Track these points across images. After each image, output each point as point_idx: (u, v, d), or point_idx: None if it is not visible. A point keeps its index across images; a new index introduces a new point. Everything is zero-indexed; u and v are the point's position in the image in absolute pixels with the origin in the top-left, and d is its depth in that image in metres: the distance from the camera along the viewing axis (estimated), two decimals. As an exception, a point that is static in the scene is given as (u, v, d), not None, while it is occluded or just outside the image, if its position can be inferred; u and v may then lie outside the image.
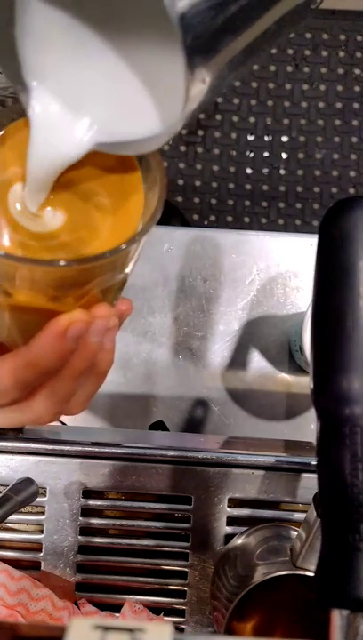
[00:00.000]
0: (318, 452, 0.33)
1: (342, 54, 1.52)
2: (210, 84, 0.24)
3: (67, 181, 0.30)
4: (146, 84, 0.27)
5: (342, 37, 1.52)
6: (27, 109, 0.28)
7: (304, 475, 0.57)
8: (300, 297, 0.70)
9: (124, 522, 0.57)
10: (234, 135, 1.49)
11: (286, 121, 1.49)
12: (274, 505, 0.57)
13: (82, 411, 0.34)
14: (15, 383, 0.30)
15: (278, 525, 0.54)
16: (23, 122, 0.31)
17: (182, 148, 1.48)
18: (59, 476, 0.57)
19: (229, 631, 0.48)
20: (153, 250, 0.71)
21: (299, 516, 0.57)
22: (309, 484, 0.57)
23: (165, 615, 0.56)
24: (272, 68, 1.51)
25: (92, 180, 0.31)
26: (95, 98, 0.28)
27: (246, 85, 1.50)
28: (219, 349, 0.70)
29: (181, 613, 0.57)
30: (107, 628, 0.19)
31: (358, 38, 1.52)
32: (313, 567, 0.36)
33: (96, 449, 0.57)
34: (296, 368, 0.70)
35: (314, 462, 0.33)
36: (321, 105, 1.50)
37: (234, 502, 0.57)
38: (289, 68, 1.51)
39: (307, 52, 1.52)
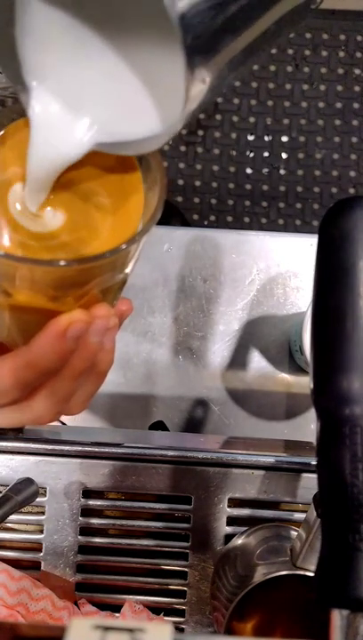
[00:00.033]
0: (318, 452, 0.33)
1: (342, 54, 1.52)
2: (210, 83, 0.24)
3: (67, 181, 0.30)
4: (146, 83, 0.27)
5: (342, 37, 1.52)
6: (27, 109, 0.28)
7: (304, 475, 0.57)
8: (300, 297, 0.70)
9: (124, 522, 0.57)
10: (234, 135, 1.49)
11: (286, 121, 1.49)
12: (274, 505, 0.57)
13: (82, 411, 0.34)
14: (15, 383, 0.30)
15: (278, 525, 0.54)
16: (23, 122, 0.31)
17: (182, 148, 1.48)
18: (59, 476, 0.57)
19: (229, 631, 0.48)
20: (153, 250, 0.71)
21: (299, 515, 0.57)
22: (309, 483, 0.57)
23: (165, 615, 0.56)
24: (272, 67, 1.51)
25: (92, 180, 0.31)
26: (95, 98, 0.28)
27: (245, 85, 1.50)
28: (219, 349, 0.70)
29: (181, 613, 0.57)
30: (107, 628, 0.19)
31: (358, 38, 1.52)
32: (313, 567, 0.36)
33: (96, 449, 0.57)
34: (296, 368, 0.70)
35: (314, 462, 0.33)
36: (321, 105, 1.50)
37: (234, 502, 0.57)
38: (289, 68, 1.51)
39: (307, 52, 1.52)
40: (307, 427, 0.69)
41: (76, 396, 0.32)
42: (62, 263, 0.26)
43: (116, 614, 0.56)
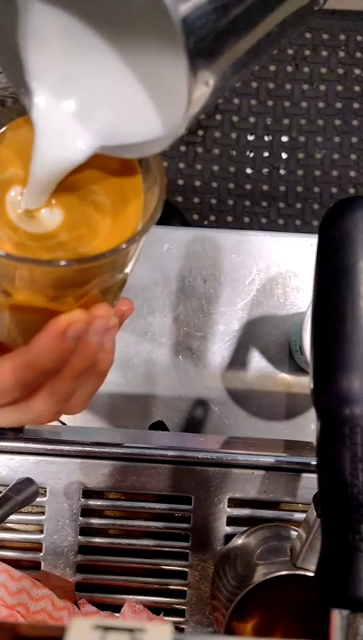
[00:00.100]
0: (318, 452, 0.33)
1: (342, 54, 1.52)
2: (213, 86, 0.24)
3: (67, 182, 0.30)
4: (149, 86, 0.27)
5: (342, 37, 1.52)
6: (30, 113, 0.28)
7: (304, 475, 0.57)
8: (300, 297, 0.70)
9: (124, 522, 0.57)
10: (234, 135, 1.49)
11: (286, 121, 1.49)
12: (274, 505, 0.57)
13: (82, 410, 0.34)
14: (16, 383, 0.30)
15: (278, 525, 0.54)
16: (23, 120, 0.31)
17: (182, 148, 1.48)
18: (59, 476, 0.57)
19: (229, 631, 0.48)
20: (153, 250, 0.71)
21: (299, 515, 0.57)
22: (309, 483, 0.57)
23: (165, 615, 0.56)
24: (272, 67, 1.51)
25: (92, 181, 0.31)
26: (98, 101, 0.28)
27: (245, 85, 1.50)
28: (219, 349, 0.70)
29: (181, 613, 0.57)
30: (107, 628, 0.19)
31: (358, 38, 1.52)
32: (313, 567, 0.36)
33: (96, 449, 0.57)
34: (296, 368, 0.70)
35: (314, 462, 0.33)
36: (321, 105, 1.50)
37: (234, 502, 0.57)
38: (289, 68, 1.51)
39: (307, 52, 1.52)
40: (307, 427, 0.69)
41: (77, 395, 0.32)
42: (62, 263, 0.26)
43: (116, 614, 0.56)
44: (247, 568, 0.49)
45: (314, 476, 0.34)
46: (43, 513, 0.57)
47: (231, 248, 0.71)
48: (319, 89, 1.51)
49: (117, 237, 0.29)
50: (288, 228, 1.46)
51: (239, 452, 0.58)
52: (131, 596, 0.56)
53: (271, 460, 0.57)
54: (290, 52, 1.52)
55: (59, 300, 0.29)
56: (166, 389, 0.69)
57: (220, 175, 1.47)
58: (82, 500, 0.57)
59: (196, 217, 1.46)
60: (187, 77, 0.22)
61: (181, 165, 1.47)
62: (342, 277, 0.33)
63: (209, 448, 0.59)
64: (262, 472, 0.57)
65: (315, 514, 0.39)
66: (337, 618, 0.30)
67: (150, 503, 0.57)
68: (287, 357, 0.70)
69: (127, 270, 0.31)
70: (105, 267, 0.28)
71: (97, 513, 0.58)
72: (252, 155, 1.48)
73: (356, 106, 1.50)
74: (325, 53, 1.52)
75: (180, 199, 1.46)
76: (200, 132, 1.48)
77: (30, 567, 0.57)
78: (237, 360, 0.70)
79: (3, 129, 0.31)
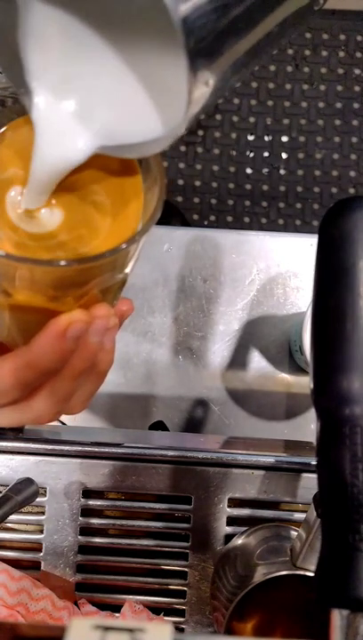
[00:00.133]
0: (318, 452, 0.33)
1: (342, 54, 1.52)
2: (213, 86, 0.24)
3: (66, 182, 0.30)
4: (149, 87, 0.27)
5: (342, 37, 1.52)
6: (30, 113, 0.28)
7: (304, 475, 0.57)
8: (300, 297, 0.70)
9: (124, 522, 0.57)
10: (234, 135, 1.49)
11: (286, 121, 1.49)
12: (274, 505, 0.57)
13: (82, 410, 0.34)
14: (16, 383, 0.30)
15: (278, 525, 0.54)
16: (23, 120, 0.31)
17: (182, 148, 1.48)
18: (59, 476, 0.57)
19: (229, 631, 0.48)
20: (153, 250, 0.71)
21: (299, 515, 0.57)
22: (309, 483, 0.57)
23: (165, 615, 0.56)
24: (272, 67, 1.51)
25: (92, 181, 0.31)
26: (98, 101, 0.28)
27: (246, 85, 1.50)
28: (219, 349, 0.70)
29: (181, 613, 0.57)
30: (107, 628, 0.19)
31: (358, 38, 1.52)
32: (313, 567, 0.36)
33: (96, 449, 0.57)
34: (296, 368, 0.70)
35: (314, 462, 0.33)
36: (321, 105, 1.50)
37: (234, 502, 0.57)
38: (289, 68, 1.51)
39: (307, 52, 1.52)
40: (307, 427, 0.69)
41: (77, 395, 0.32)
42: (62, 263, 0.26)
43: (117, 614, 0.56)
44: (247, 568, 0.49)
45: (314, 476, 0.34)
46: (43, 513, 0.57)
47: (231, 248, 0.71)
48: (319, 89, 1.51)
49: (117, 237, 0.29)
50: (288, 228, 1.46)
51: (239, 452, 0.58)
52: (131, 596, 0.56)
53: (271, 459, 0.57)
54: (290, 51, 1.52)
55: (59, 299, 0.29)
56: (166, 389, 0.69)
57: (220, 175, 1.47)
58: (82, 500, 0.57)
59: (196, 217, 1.46)
60: (187, 77, 0.22)
61: (181, 165, 1.47)
62: (342, 277, 0.33)
63: (209, 448, 0.59)
64: (262, 472, 0.57)
65: (315, 514, 0.39)
66: (337, 618, 0.30)
67: (150, 503, 0.57)
68: (287, 357, 0.70)
69: (127, 270, 0.31)
70: (105, 267, 0.28)
71: (97, 513, 0.58)
72: (252, 155, 1.48)
73: (356, 106, 1.50)
74: (325, 53, 1.52)
75: (180, 199, 1.46)
76: (200, 132, 1.48)
77: (30, 567, 0.57)
78: (237, 360, 0.70)
79: (3, 129, 0.31)
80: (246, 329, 0.70)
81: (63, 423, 0.66)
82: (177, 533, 0.57)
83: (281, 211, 1.47)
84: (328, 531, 0.31)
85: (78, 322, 0.29)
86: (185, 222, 1.32)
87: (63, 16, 0.26)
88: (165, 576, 0.57)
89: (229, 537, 0.56)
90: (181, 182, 1.46)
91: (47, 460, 0.57)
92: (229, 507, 0.57)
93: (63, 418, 0.66)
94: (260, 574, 0.47)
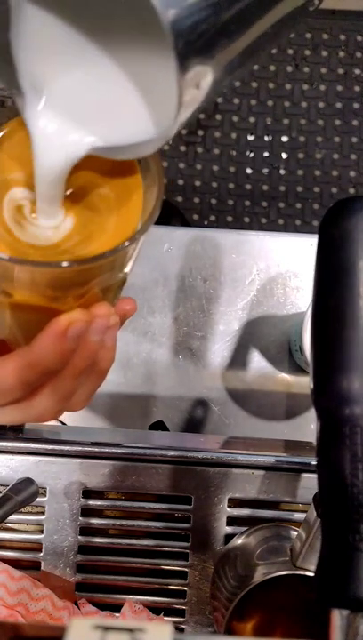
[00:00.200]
0: (318, 452, 0.33)
1: (342, 54, 1.52)
2: (204, 89, 0.24)
3: (66, 183, 0.30)
4: (140, 88, 0.27)
5: (342, 37, 1.52)
6: (22, 114, 0.28)
7: (304, 475, 0.57)
8: (300, 297, 0.70)
9: (124, 522, 0.57)
10: (234, 135, 1.49)
11: (286, 121, 1.49)
12: (274, 505, 0.57)
13: (83, 407, 0.34)
14: (18, 383, 0.30)
15: (278, 525, 0.54)
16: (16, 123, 0.31)
17: (182, 148, 1.48)
18: (59, 476, 0.57)
19: (230, 631, 0.48)
20: (153, 250, 0.71)
21: (299, 515, 0.57)
22: (309, 483, 0.57)
23: (165, 615, 0.56)
24: (272, 67, 1.51)
25: (91, 181, 0.31)
26: (90, 102, 0.28)
27: (245, 85, 1.50)
28: (219, 349, 0.70)
29: (181, 613, 0.57)
30: (107, 628, 0.19)
31: (359, 38, 1.52)
32: (313, 567, 0.36)
33: (96, 449, 0.57)
34: (296, 368, 0.70)
35: (314, 462, 0.33)
36: (321, 105, 1.50)
37: (234, 502, 0.57)
38: (289, 68, 1.51)
39: (307, 52, 1.52)
40: (307, 427, 0.69)
41: (78, 393, 0.33)
42: (64, 264, 0.26)
43: (117, 614, 0.56)
44: (247, 568, 0.49)
45: (314, 476, 0.34)
46: (43, 513, 0.57)
47: (231, 248, 0.71)
48: (319, 89, 1.51)
49: (117, 237, 0.29)
50: (288, 228, 1.46)
51: (239, 452, 0.58)
52: (131, 596, 0.56)
53: (271, 459, 0.57)
54: (290, 51, 1.52)
55: (59, 299, 0.29)
56: (166, 389, 0.69)
57: (220, 175, 1.47)
58: (82, 500, 0.57)
59: (196, 217, 1.46)
60: (176, 80, 0.22)
61: (181, 165, 1.47)
62: (342, 277, 0.33)
63: (209, 448, 0.59)
64: (262, 472, 0.57)
65: (315, 514, 0.39)
66: (337, 618, 0.30)
67: (150, 503, 0.57)
68: (287, 357, 0.70)
69: (127, 270, 0.31)
70: (104, 267, 0.28)
71: (97, 513, 0.58)
72: (252, 155, 1.48)
73: (356, 106, 1.50)
74: (325, 53, 1.52)
75: (180, 199, 1.46)
76: (200, 132, 1.48)
77: (30, 567, 0.57)
78: (237, 360, 0.70)
79: (2, 132, 0.31)
80: (246, 329, 0.70)
81: (63, 423, 0.66)
82: (177, 533, 0.57)
83: (281, 211, 1.47)
84: (328, 531, 0.31)
85: (79, 321, 0.29)
86: (185, 222, 1.32)
87: (55, 18, 0.26)
88: (165, 576, 0.57)
89: (229, 537, 0.56)
90: (181, 182, 1.46)
91: (47, 460, 0.57)
92: (229, 507, 0.57)
93: (63, 418, 0.66)
94: (260, 574, 0.47)
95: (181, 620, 0.57)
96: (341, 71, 1.51)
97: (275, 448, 0.61)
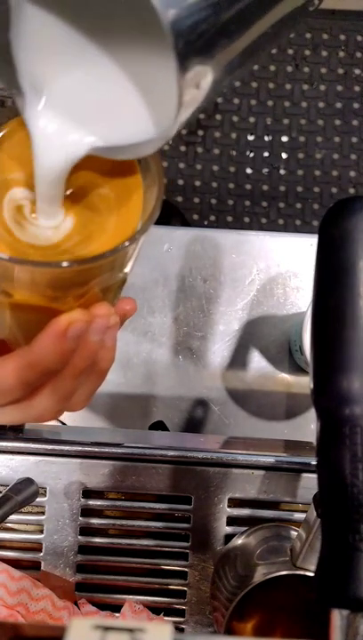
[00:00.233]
0: (318, 452, 0.33)
1: (342, 54, 1.52)
2: (204, 89, 0.24)
3: (66, 183, 0.30)
4: (140, 88, 0.27)
5: (342, 37, 1.52)
6: (22, 114, 0.28)
7: (304, 475, 0.57)
8: (300, 297, 0.70)
9: (124, 522, 0.57)
10: (234, 135, 1.49)
11: (286, 121, 1.49)
12: (274, 505, 0.57)
13: (84, 407, 0.34)
14: (18, 383, 0.30)
15: (278, 525, 0.54)
16: (16, 123, 0.31)
17: (182, 148, 1.48)
18: (59, 476, 0.57)
19: (230, 631, 0.48)
20: (153, 250, 0.71)
21: (299, 515, 0.57)
22: (309, 483, 0.57)
23: (165, 615, 0.56)
24: (272, 67, 1.51)
25: (92, 181, 0.31)
26: (90, 102, 0.28)
27: (245, 85, 1.50)
28: (219, 349, 0.70)
29: (181, 613, 0.57)
30: (107, 628, 0.19)
31: (359, 38, 1.52)
32: (313, 567, 0.36)
33: (96, 449, 0.57)
34: (296, 368, 0.70)
35: (314, 462, 0.33)
36: (321, 105, 1.50)
37: (234, 502, 0.57)
38: (289, 68, 1.51)
39: (307, 52, 1.52)
40: (307, 427, 0.69)
41: (78, 393, 0.33)
42: (64, 264, 0.26)
43: (117, 614, 0.55)
44: (247, 568, 0.49)
45: (314, 476, 0.34)
46: (43, 513, 0.57)
47: (231, 248, 0.71)
48: (319, 89, 1.51)
49: (116, 237, 0.29)
50: (288, 228, 1.46)
51: (239, 452, 0.58)
52: (131, 596, 0.56)
53: (271, 459, 0.57)
54: (290, 51, 1.52)
55: (59, 299, 0.29)
56: (166, 389, 0.69)
57: (220, 175, 1.47)
58: (82, 500, 0.57)
59: (196, 217, 1.46)
60: (176, 80, 0.22)
61: (181, 165, 1.47)
62: (342, 277, 0.33)
63: (209, 448, 0.59)
64: (262, 472, 0.57)
65: (315, 514, 0.39)
66: (337, 618, 0.30)
67: (150, 503, 0.57)
68: (287, 357, 0.70)
69: (127, 270, 0.31)
70: (104, 267, 0.28)
71: (97, 513, 0.58)
72: (252, 155, 1.48)
73: (356, 106, 1.50)
74: (325, 53, 1.52)
75: (180, 199, 1.46)
76: (200, 132, 1.48)
77: (30, 567, 0.57)
78: (237, 360, 0.70)
79: (2, 132, 0.31)
80: (246, 329, 0.70)
81: (63, 423, 0.66)
82: (177, 533, 0.57)
83: (281, 211, 1.47)
84: (328, 531, 0.31)
85: (79, 321, 0.29)
86: (185, 222, 1.32)
87: (55, 18, 0.26)
88: (165, 576, 0.57)
89: (229, 537, 0.56)
90: (181, 182, 1.46)
91: (47, 460, 0.57)
92: (229, 507, 0.57)
93: (63, 418, 0.66)
94: (260, 574, 0.47)
95: (181, 620, 0.57)
96: (341, 71, 1.51)
97: (275, 448, 0.61)
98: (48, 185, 0.29)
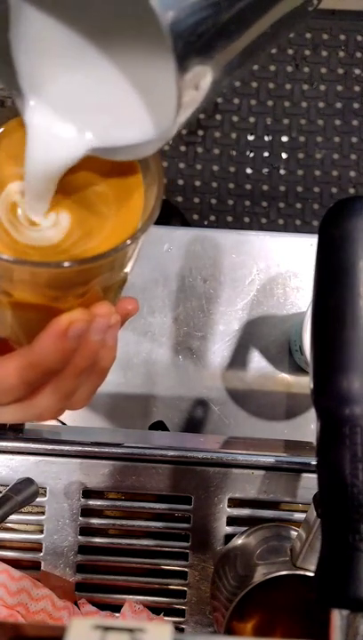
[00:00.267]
0: (318, 452, 0.33)
1: (342, 54, 1.52)
2: (204, 90, 0.24)
3: (66, 182, 0.30)
4: (139, 89, 0.27)
5: (342, 37, 1.52)
6: (22, 115, 0.28)
7: (304, 475, 0.57)
8: (300, 297, 0.70)
9: (124, 522, 0.57)
10: (234, 135, 1.49)
11: (286, 121, 1.49)
12: (274, 505, 0.57)
13: (85, 406, 0.34)
14: (20, 383, 0.30)
15: (278, 525, 0.54)
16: (16, 122, 0.31)
17: (182, 148, 1.48)
18: (59, 476, 0.57)
19: (229, 631, 0.48)
20: (153, 249, 0.71)
21: (299, 515, 0.57)
22: (309, 483, 0.57)
23: (165, 615, 0.56)
24: (272, 67, 1.51)
25: (92, 180, 0.31)
26: (89, 103, 0.28)
27: (245, 85, 1.50)
28: (219, 349, 0.70)
29: (181, 613, 0.57)
30: (107, 628, 0.19)
31: (359, 38, 1.52)
32: (313, 567, 0.36)
33: (96, 449, 0.57)
34: (296, 368, 0.70)
35: (314, 462, 0.33)
36: (321, 105, 1.50)
37: (234, 502, 0.57)
38: (289, 68, 1.51)
39: (307, 52, 1.52)
40: (307, 427, 0.69)
41: (79, 392, 0.33)
42: (65, 265, 0.26)
43: (117, 614, 0.56)
44: (247, 568, 0.49)
45: (314, 476, 0.34)
46: (43, 513, 0.57)
47: (231, 248, 0.71)
48: (319, 89, 1.51)
49: (116, 237, 0.29)
50: (288, 228, 1.46)
51: (239, 452, 0.58)
52: (131, 596, 0.56)
53: (271, 460, 0.57)
54: (290, 51, 1.52)
55: (60, 299, 0.29)
56: (166, 389, 0.69)
57: (220, 175, 1.47)
58: (82, 500, 0.57)
59: (196, 217, 1.46)
60: (176, 81, 0.22)
61: (181, 165, 1.47)
62: (342, 277, 0.33)
63: (209, 448, 0.59)
64: (262, 472, 0.57)
65: (315, 514, 0.39)
66: (337, 618, 0.30)
67: (150, 503, 0.57)
68: (287, 357, 0.70)
69: (127, 269, 0.31)
70: (104, 267, 0.28)
71: (97, 513, 0.58)
72: (252, 155, 1.48)
73: (356, 106, 1.50)
74: (325, 53, 1.52)
75: (180, 199, 1.46)
76: (200, 132, 1.48)
77: (30, 567, 0.57)
78: (237, 360, 0.70)
79: (1, 129, 0.31)
80: (246, 329, 0.70)
81: (63, 423, 0.66)
82: (177, 533, 0.57)
83: (281, 211, 1.47)
84: (328, 531, 0.31)
85: (79, 321, 0.29)
86: (185, 222, 1.32)
87: (55, 20, 0.26)
88: (165, 576, 0.57)
89: (229, 537, 0.56)
90: (181, 182, 1.46)
91: (47, 460, 0.57)
92: (229, 507, 0.57)
93: (63, 418, 0.66)
94: (260, 574, 0.47)
95: (181, 620, 0.57)
96: (341, 71, 1.51)
97: (275, 448, 0.61)
98: (41, 184, 0.29)
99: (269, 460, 0.57)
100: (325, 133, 1.49)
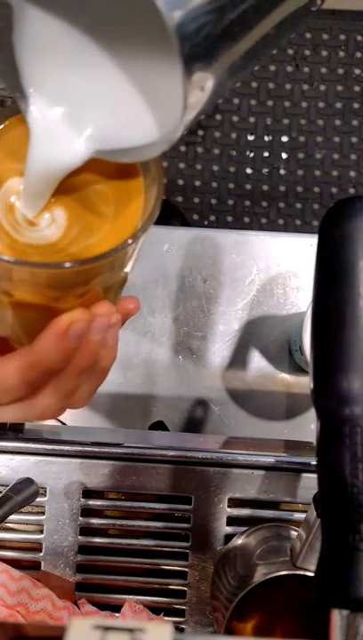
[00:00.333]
0: (318, 452, 0.33)
1: (342, 54, 1.52)
2: (209, 91, 0.24)
3: (66, 183, 0.30)
4: (144, 91, 0.27)
5: (342, 37, 1.52)
6: (26, 117, 0.28)
7: (304, 475, 0.57)
8: (300, 297, 0.70)
9: (124, 522, 0.57)
10: (234, 135, 1.49)
11: (286, 121, 1.49)
12: (274, 505, 0.57)
13: (85, 405, 0.34)
14: (20, 382, 0.30)
15: (278, 525, 0.54)
16: (17, 120, 0.31)
17: (182, 148, 1.48)
18: (59, 476, 0.57)
19: (230, 631, 0.48)
20: (153, 249, 0.71)
21: (299, 515, 0.57)
22: (309, 483, 0.57)
23: (165, 615, 0.56)
24: (272, 67, 1.51)
25: (92, 181, 0.31)
26: (94, 106, 0.28)
27: (246, 85, 1.50)
28: (219, 349, 0.70)
29: (181, 613, 0.57)
30: (107, 628, 0.19)
31: (359, 38, 1.52)
32: (313, 567, 0.36)
33: (96, 449, 0.57)
34: (296, 368, 0.70)
35: (314, 462, 0.33)
36: (321, 105, 1.50)
37: (234, 502, 0.57)
38: (289, 68, 1.51)
39: (307, 52, 1.52)
40: (307, 427, 0.69)
41: (80, 391, 0.33)
42: (65, 265, 0.26)
43: (117, 614, 0.55)
44: (247, 568, 0.49)
45: (314, 476, 0.34)
46: (43, 513, 0.57)
47: (231, 248, 0.71)
48: (319, 89, 1.51)
49: (117, 237, 0.29)
50: (288, 228, 1.46)
51: (239, 452, 0.58)
52: (131, 596, 0.56)
53: (271, 459, 0.57)
54: (290, 51, 1.52)
55: (60, 299, 0.29)
56: (166, 389, 0.69)
57: (220, 175, 1.47)
58: (82, 499, 0.57)
59: (196, 217, 1.46)
60: (182, 82, 0.22)
61: (181, 165, 1.47)
62: (342, 277, 0.33)
63: (209, 448, 0.59)
64: (262, 472, 0.57)
65: (315, 514, 0.39)
66: (337, 618, 0.30)
67: (150, 503, 0.57)
68: (287, 357, 0.70)
69: (127, 269, 0.31)
70: (104, 267, 0.28)
71: (97, 513, 0.58)
72: (252, 155, 1.48)
73: (356, 106, 1.50)
74: (325, 53, 1.52)
75: (180, 199, 1.46)
76: (200, 132, 1.48)
77: (30, 567, 0.57)
78: (237, 360, 0.70)
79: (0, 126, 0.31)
80: (246, 329, 0.70)
81: (63, 423, 0.66)
82: (177, 533, 0.57)
83: (281, 211, 1.47)
84: (328, 531, 0.31)
85: (80, 321, 0.29)
86: (185, 222, 1.32)
87: (58, 21, 0.26)
88: (165, 576, 0.57)
89: (229, 537, 0.56)
90: (181, 182, 1.46)
91: (47, 459, 0.57)
92: (229, 507, 0.57)
93: (63, 418, 0.66)
94: (260, 574, 0.47)
95: (181, 620, 0.57)
96: (341, 71, 1.51)
97: (275, 448, 0.61)
98: (42, 185, 0.29)
99: (269, 459, 0.57)
100: (325, 133, 1.49)
